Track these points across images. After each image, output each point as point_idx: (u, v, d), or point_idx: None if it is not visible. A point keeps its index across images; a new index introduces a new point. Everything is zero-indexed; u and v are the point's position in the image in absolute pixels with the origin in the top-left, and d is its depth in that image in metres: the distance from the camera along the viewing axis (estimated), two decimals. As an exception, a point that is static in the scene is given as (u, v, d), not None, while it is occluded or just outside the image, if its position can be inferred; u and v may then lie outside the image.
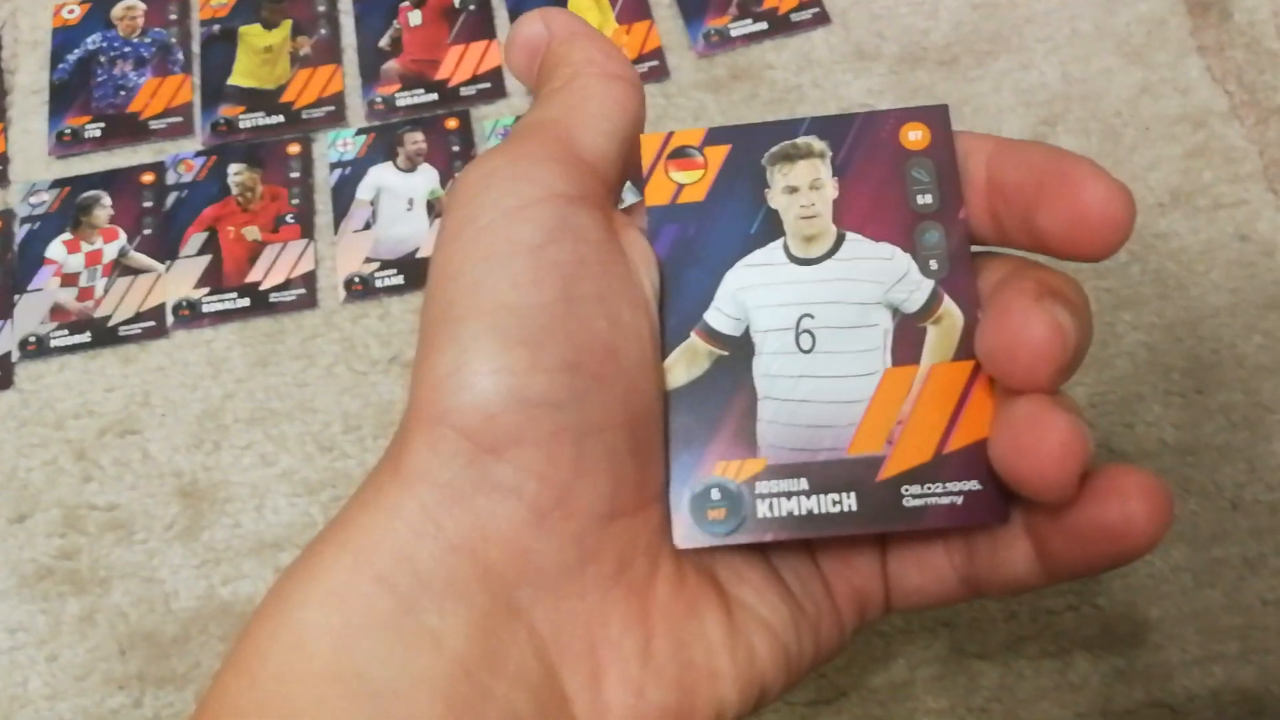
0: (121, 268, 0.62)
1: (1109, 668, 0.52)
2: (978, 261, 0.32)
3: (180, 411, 0.58)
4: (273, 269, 0.62)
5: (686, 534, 0.30)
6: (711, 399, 0.31)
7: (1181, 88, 0.64)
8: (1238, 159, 0.61)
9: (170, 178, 0.64)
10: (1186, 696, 0.51)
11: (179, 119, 0.66)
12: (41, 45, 0.69)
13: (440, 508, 0.27)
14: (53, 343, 0.60)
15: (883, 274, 0.31)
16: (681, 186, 0.32)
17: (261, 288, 0.61)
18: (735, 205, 0.32)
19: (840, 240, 0.31)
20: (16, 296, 0.61)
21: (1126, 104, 0.63)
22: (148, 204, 0.64)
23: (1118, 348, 0.57)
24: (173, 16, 0.69)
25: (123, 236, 0.63)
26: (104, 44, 0.68)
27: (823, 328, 0.31)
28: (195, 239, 0.63)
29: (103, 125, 0.66)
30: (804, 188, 0.32)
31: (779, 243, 0.32)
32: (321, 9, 0.69)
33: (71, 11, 0.69)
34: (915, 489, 0.30)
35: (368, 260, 0.62)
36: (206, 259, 0.62)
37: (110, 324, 0.60)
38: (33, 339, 0.60)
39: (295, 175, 0.64)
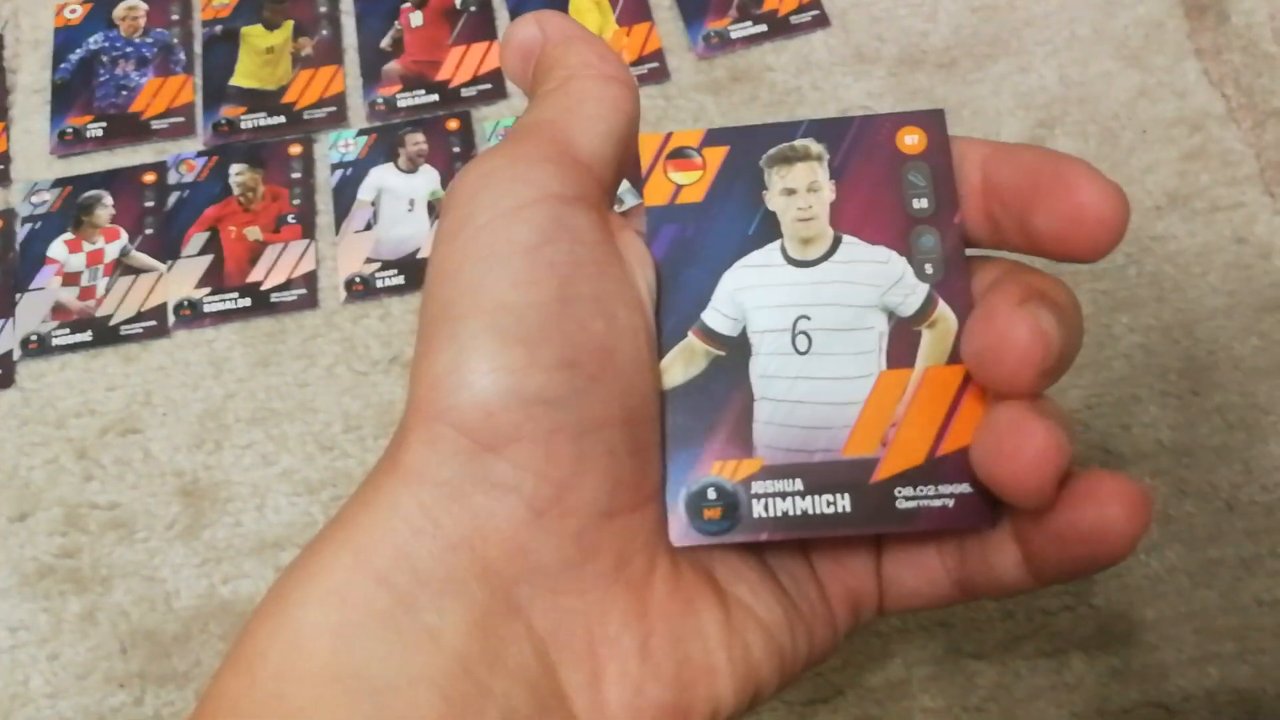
0: (123, 267, 0.62)
1: (1105, 668, 0.52)
2: (972, 265, 0.32)
3: (181, 411, 0.59)
4: (274, 269, 0.62)
5: (682, 533, 0.30)
6: (708, 399, 0.31)
7: (1179, 91, 0.64)
8: (1235, 162, 0.62)
9: (172, 177, 0.64)
10: (1182, 696, 0.51)
11: (181, 119, 0.66)
12: (43, 45, 0.69)
13: (439, 506, 0.27)
14: (54, 341, 0.60)
15: (878, 277, 0.31)
16: (680, 187, 0.32)
17: (263, 288, 0.61)
18: (733, 206, 0.32)
19: (837, 243, 0.32)
20: (18, 295, 0.62)
21: (1124, 107, 0.64)
22: (149, 204, 0.64)
23: (1114, 349, 0.57)
24: (174, 17, 0.70)
25: (124, 236, 0.63)
26: (106, 44, 0.69)
27: (819, 329, 0.31)
28: (197, 239, 0.63)
29: (104, 125, 0.66)
30: (801, 190, 0.32)
31: (776, 244, 0.32)
32: (323, 10, 0.69)
33: (73, 11, 0.70)
34: (908, 491, 0.30)
35: (369, 261, 0.62)
36: (208, 259, 0.62)
37: (112, 323, 0.61)
38: (34, 338, 0.60)
39: (297, 176, 0.64)
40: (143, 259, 0.62)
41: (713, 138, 0.33)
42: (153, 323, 0.61)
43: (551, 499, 0.28)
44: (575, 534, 0.28)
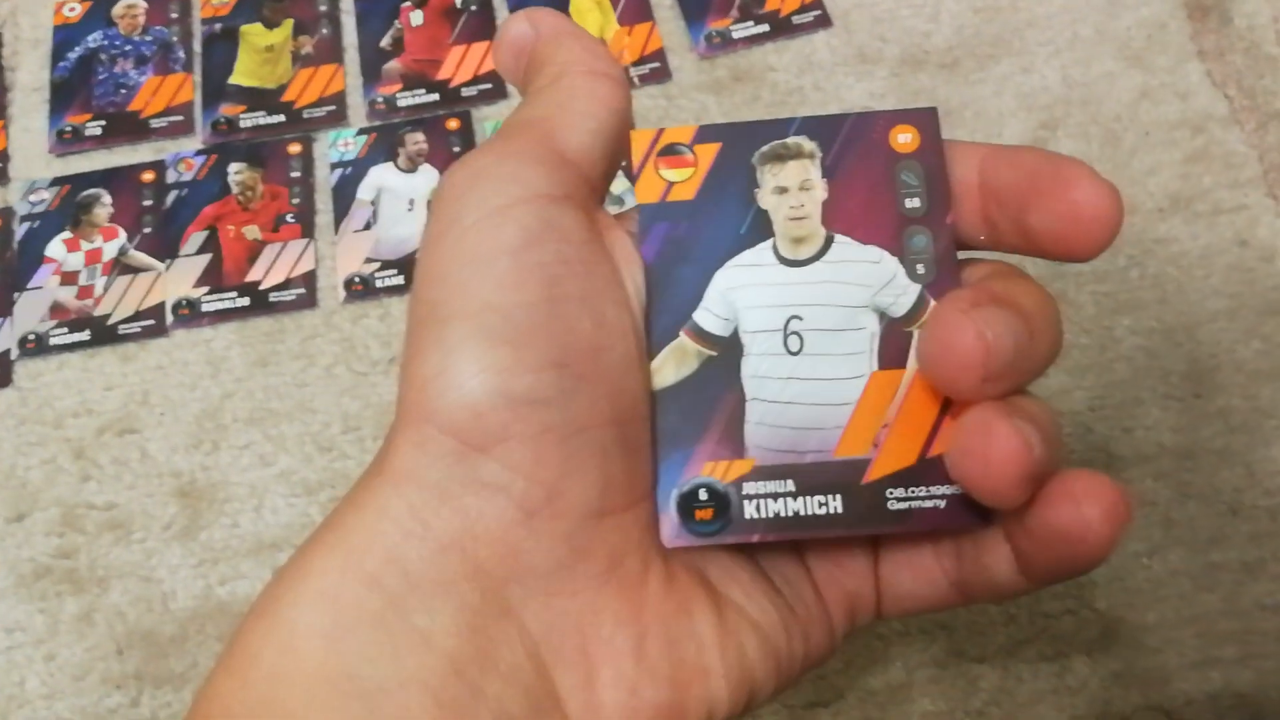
0: (121, 266, 0.62)
1: (1107, 671, 0.52)
2: (962, 266, 0.32)
3: (179, 411, 0.59)
4: (273, 268, 0.62)
5: (674, 534, 0.30)
6: (700, 399, 0.31)
7: (1181, 92, 0.64)
8: (1237, 164, 0.61)
9: (170, 176, 0.64)
10: (1184, 700, 0.51)
11: (180, 118, 0.66)
12: (42, 43, 0.69)
13: (428, 507, 0.27)
14: (52, 341, 0.60)
15: (870, 277, 0.31)
16: (671, 184, 0.32)
17: (261, 287, 0.61)
18: (725, 204, 0.32)
19: (829, 242, 0.31)
20: (16, 294, 0.62)
21: (1127, 108, 0.63)
22: (148, 202, 0.64)
23: (1117, 352, 0.57)
24: (174, 15, 0.69)
25: (123, 235, 0.63)
26: (105, 42, 0.69)
27: (811, 330, 0.31)
28: (195, 238, 0.63)
29: (103, 123, 0.66)
30: (794, 188, 0.32)
31: (768, 243, 0.32)
32: (323, 8, 0.69)
33: (72, 9, 0.70)
34: (900, 492, 0.30)
35: (368, 260, 0.62)
36: (206, 258, 0.62)
37: (110, 322, 0.61)
38: (32, 337, 0.60)
39: (296, 175, 0.64)
40: (141, 258, 0.62)
41: (705, 134, 0.32)
42: (151, 322, 0.60)
43: (542, 499, 0.27)
44: (566, 534, 0.28)
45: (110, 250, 0.63)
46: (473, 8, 0.69)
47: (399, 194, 0.64)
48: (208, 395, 0.59)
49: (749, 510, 0.30)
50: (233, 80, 0.67)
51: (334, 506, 0.29)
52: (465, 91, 0.66)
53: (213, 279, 0.61)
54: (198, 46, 0.69)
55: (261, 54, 0.68)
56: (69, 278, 0.62)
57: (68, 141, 0.66)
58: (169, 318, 0.61)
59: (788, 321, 0.31)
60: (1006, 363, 0.28)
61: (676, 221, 0.32)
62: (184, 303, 0.61)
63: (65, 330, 0.60)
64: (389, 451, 0.28)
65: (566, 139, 0.30)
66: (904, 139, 0.32)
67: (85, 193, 0.64)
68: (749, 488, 0.30)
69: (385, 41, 0.68)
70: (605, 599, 0.29)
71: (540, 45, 0.33)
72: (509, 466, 0.27)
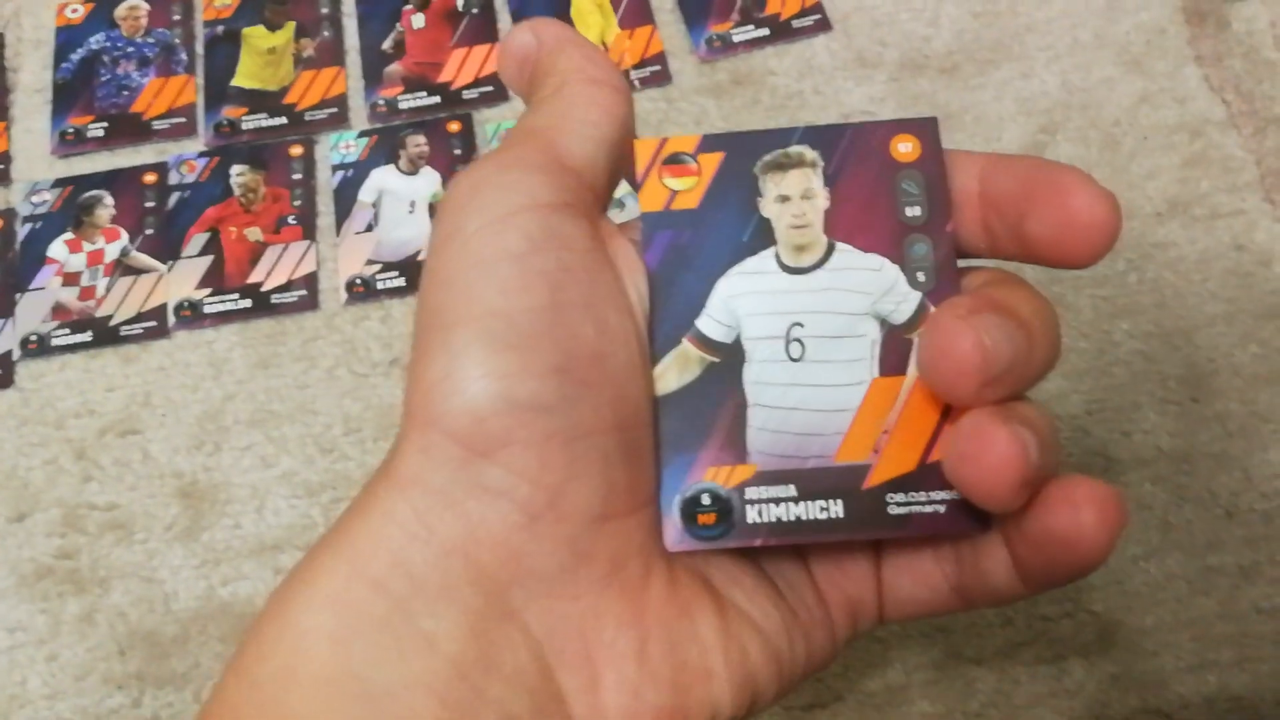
0: (123, 267, 0.62)
1: (1104, 674, 0.52)
2: (962, 273, 0.32)
3: (181, 412, 0.59)
4: (274, 270, 0.62)
5: (677, 538, 0.30)
6: (703, 405, 0.31)
7: (1180, 97, 0.64)
8: (1235, 169, 0.62)
9: (173, 178, 0.65)
10: (1181, 703, 0.51)
11: (182, 119, 0.66)
12: (44, 44, 0.69)
13: (432, 512, 0.27)
14: (54, 342, 0.60)
15: (871, 285, 0.31)
16: (675, 193, 0.32)
17: (263, 289, 0.61)
18: (728, 213, 0.32)
19: (830, 250, 0.32)
20: (18, 295, 0.62)
21: (1126, 113, 0.64)
22: (150, 204, 0.64)
23: (1114, 356, 0.58)
24: (176, 17, 0.70)
25: (124, 236, 0.63)
26: (107, 44, 0.69)
27: (812, 337, 0.31)
28: (197, 239, 0.63)
29: (105, 125, 0.66)
30: (796, 197, 0.32)
31: (770, 251, 0.32)
32: (325, 11, 0.69)
33: (75, 11, 0.70)
34: (900, 497, 0.30)
35: (369, 262, 0.62)
36: (208, 260, 0.62)
37: (111, 324, 0.61)
38: (34, 338, 0.60)
39: (297, 177, 0.64)
40: (143, 259, 0.62)
41: (708, 144, 0.33)
42: (153, 323, 0.61)
43: (545, 504, 0.28)
44: (569, 539, 0.28)
45: (112, 251, 0.63)
46: (474, 10, 0.69)
47: (400, 196, 0.64)
48: (209, 396, 0.59)
49: (751, 515, 0.31)
50: (235, 82, 0.68)
51: (342, 506, 0.29)
52: (466, 94, 0.66)
53: (214, 280, 0.62)
54: (200, 49, 0.69)
55: (263, 56, 0.68)
56: (71, 279, 0.62)
57: (70, 143, 0.66)
58: (171, 319, 0.61)
59: (789, 328, 0.31)
60: (1004, 369, 0.28)
61: (680, 229, 0.32)
62: (186, 304, 0.61)
63: (67, 331, 0.61)
64: (396, 456, 0.28)
65: (568, 147, 0.31)
66: (905, 148, 0.32)
67: (87, 194, 0.64)
68: (751, 493, 0.31)
69: (387, 44, 0.68)
70: (607, 602, 0.29)
71: (543, 55, 0.33)
72: (512, 471, 0.27)
